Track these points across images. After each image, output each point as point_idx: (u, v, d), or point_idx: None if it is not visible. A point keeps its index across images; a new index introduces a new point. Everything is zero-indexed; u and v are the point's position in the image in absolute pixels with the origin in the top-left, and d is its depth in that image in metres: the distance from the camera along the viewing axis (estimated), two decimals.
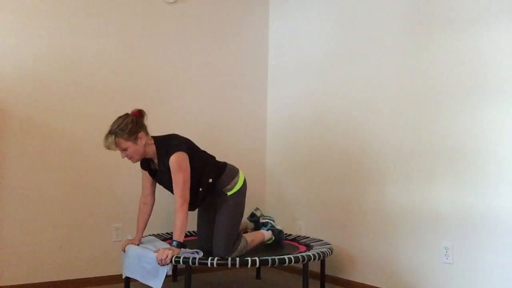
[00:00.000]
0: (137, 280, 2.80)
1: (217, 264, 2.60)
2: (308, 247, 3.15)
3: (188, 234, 3.45)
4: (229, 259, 2.65)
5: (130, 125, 2.66)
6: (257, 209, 3.43)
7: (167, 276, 2.62)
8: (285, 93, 4.05)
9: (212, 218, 2.94)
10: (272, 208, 4.07)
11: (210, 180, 2.84)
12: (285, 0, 4.13)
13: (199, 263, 2.59)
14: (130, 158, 2.74)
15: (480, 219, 2.64)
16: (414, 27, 3.06)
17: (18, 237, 3.05)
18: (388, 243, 3.12)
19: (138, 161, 2.80)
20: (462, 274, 2.71)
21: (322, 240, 3.30)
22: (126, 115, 2.74)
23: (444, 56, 2.87)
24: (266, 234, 3.12)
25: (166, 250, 2.56)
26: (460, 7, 2.81)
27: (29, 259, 3.08)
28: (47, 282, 3.12)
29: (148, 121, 3.62)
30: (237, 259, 2.64)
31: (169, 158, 2.67)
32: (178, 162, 2.66)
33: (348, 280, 3.35)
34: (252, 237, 2.99)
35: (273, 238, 3.16)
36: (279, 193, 4.03)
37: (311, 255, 2.78)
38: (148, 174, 2.91)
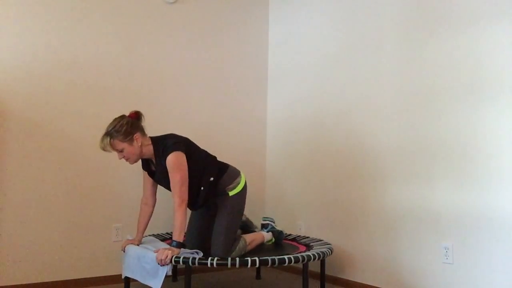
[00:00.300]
0: (137, 280, 2.80)
1: (217, 264, 2.60)
2: (308, 247, 3.15)
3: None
4: (229, 259, 2.65)
5: (126, 126, 2.66)
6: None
7: (167, 276, 2.62)
8: (285, 93, 4.05)
9: (208, 217, 2.94)
10: (272, 208, 4.07)
11: (212, 179, 2.83)
12: (285, 0, 4.13)
13: (199, 263, 2.59)
14: (127, 159, 2.75)
15: (480, 219, 2.64)
16: (414, 28, 3.06)
17: (18, 237, 3.05)
18: (388, 243, 3.12)
19: (135, 162, 2.80)
20: (462, 274, 2.71)
21: (322, 240, 3.30)
22: (122, 116, 2.74)
23: (444, 56, 2.87)
24: (266, 235, 3.13)
25: (166, 250, 2.56)
26: (460, 7, 2.81)
27: (29, 259, 3.08)
28: (47, 282, 3.12)
29: (148, 121, 3.62)
30: (237, 259, 2.64)
31: (166, 158, 2.66)
32: (175, 162, 2.65)
33: (348, 280, 3.35)
34: (252, 238, 3.00)
35: (273, 239, 3.17)
36: (279, 193, 4.03)
37: (311, 255, 2.78)
38: (148, 175, 2.92)
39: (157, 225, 3.38)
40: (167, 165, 2.66)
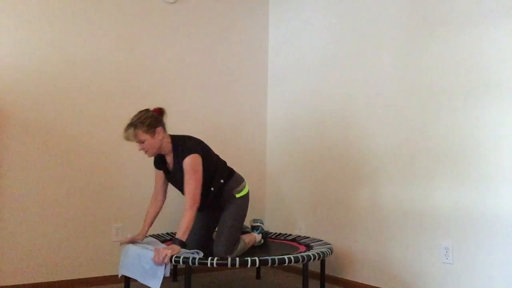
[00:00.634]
0: (137, 280, 2.80)
1: (217, 264, 2.60)
2: (308, 247, 3.15)
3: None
4: (229, 259, 2.65)
5: (150, 119, 2.75)
6: None
7: (167, 276, 2.62)
8: (285, 93, 4.05)
9: (212, 218, 2.95)
10: (272, 208, 4.07)
11: (222, 181, 2.92)
12: (285, 0, 4.13)
13: (199, 263, 2.59)
14: (146, 151, 2.81)
15: (480, 219, 2.64)
16: (413, 28, 3.06)
17: (18, 237, 3.05)
18: (388, 243, 3.12)
19: (153, 155, 2.86)
20: (462, 274, 2.71)
21: (322, 240, 3.30)
22: (147, 110, 2.83)
23: (444, 56, 2.87)
24: (257, 237, 3.19)
25: (165, 250, 2.56)
26: (460, 7, 2.81)
27: (29, 259, 3.08)
28: (47, 282, 3.12)
29: None
30: (237, 259, 2.64)
31: (183, 158, 2.74)
32: (192, 164, 2.73)
33: (348, 280, 3.35)
34: (249, 239, 3.04)
35: (262, 240, 3.24)
36: (279, 193, 4.03)
37: (311, 255, 2.78)
38: (161, 173, 2.98)
39: (157, 225, 3.38)
40: (184, 166, 2.73)
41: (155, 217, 3.01)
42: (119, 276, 2.93)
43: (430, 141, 2.91)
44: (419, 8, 3.04)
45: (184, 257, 2.58)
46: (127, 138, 2.76)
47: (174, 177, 2.89)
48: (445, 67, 2.87)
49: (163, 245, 2.94)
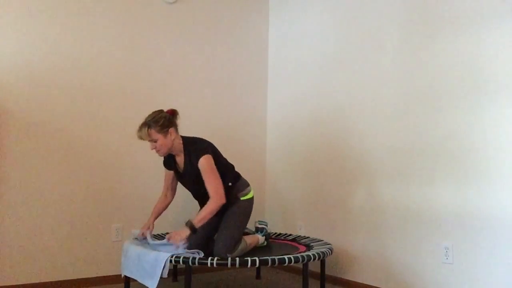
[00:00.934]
0: (137, 280, 2.80)
1: (217, 264, 2.60)
2: (308, 247, 3.15)
3: None
4: (229, 259, 2.66)
5: (163, 119, 2.83)
6: None
7: (167, 276, 2.62)
8: (285, 93, 4.05)
9: (216, 219, 2.96)
10: (272, 208, 4.07)
11: (230, 184, 2.97)
12: (285, 0, 4.13)
13: (199, 263, 2.59)
14: (158, 151, 2.87)
15: (480, 219, 2.64)
16: (413, 28, 3.06)
17: (18, 237, 3.05)
18: (388, 243, 3.12)
19: (164, 155, 2.93)
20: (462, 274, 2.71)
21: (322, 240, 3.30)
22: (161, 110, 2.90)
23: (444, 56, 2.87)
24: (260, 238, 3.19)
25: (179, 231, 2.69)
26: (460, 7, 2.81)
27: (29, 259, 3.08)
28: (47, 282, 3.12)
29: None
30: (237, 259, 2.64)
31: (197, 159, 2.82)
32: (209, 164, 2.82)
33: (348, 280, 3.35)
34: (251, 240, 3.05)
35: (265, 242, 3.25)
36: (279, 193, 4.03)
37: (311, 255, 2.78)
38: (170, 173, 3.07)
39: (157, 226, 3.38)
40: (201, 166, 2.81)
41: (161, 212, 3.12)
42: (122, 276, 2.93)
43: (430, 141, 2.91)
44: (419, 8, 3.04)
45: (184, 257, 2.58)
46: (140, 137, 2.84)
47: (185, 177, 2.96)
48: (445, 67, 2.86)
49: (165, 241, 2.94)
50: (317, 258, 2.82)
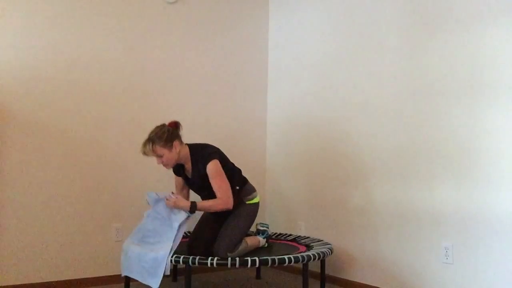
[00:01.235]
0: (137, 280, 2.80)
1: (217, 264, 2.60)
2: (308, 247, 3.15)
3: (184, 235, 3.45)
4: (229, 259, 2.66)
5: (166, 134, 2.84)
6: None
7: (167, 276, 2.62)
8: (285, 93, 4.05)
9: (222, 221, 3.00)
10: (272, 208, 4.07)
11: (237, 188, 3.00)
12: (285, 0, 4.13)
13: (199, 263, 2.59)
14: (165, 165, 2.90)
15: (480, 219, 2.64)
16: (413, 28, 3.06)
17: (18, 237, 3.05)
18: (388, 243, 3.12)
19: (171, 167, 2.97)
20: (462, 274, 2.71)
21: (322, 240, 3.30)
22: (163, 125, 2.91)
23: (444, 56, 2.87)
24: (261, 241, 3.19)
25: (181, 201, 2.82)
26: (460, 7, 2.81)
27: (29, 259, 3.08)
28: (47, 282, 3.12)
29: (148, 121, 3.62)
30: (237, 259, 2.65)
31: (205, 165, 2.85)
32: (216, 169, 2.85)
33: (348, 280, 3.35)
34: (251, 242, 3.05)
35: (266, 245, 3.24)
36: (279, 193, 4.03)
37: (311, 255, 2.78)
38: (180, 179, 3.09)
39: None
40: (208, 172, 2.85)
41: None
42: (122, 275, 2.93)
43: (430, 141, 2.91)
44: (418, 8, 3.04)
45: (184, 257, 2.58)
46: (145, 153, 2.86)
47: (194, 183, 2.98)
48: (444, 67, 2.86)
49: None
50: (317, 258, 2.83)
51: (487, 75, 2.66)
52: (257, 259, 2.64)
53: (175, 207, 2.82)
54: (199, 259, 2.60)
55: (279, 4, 4.19)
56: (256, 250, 3.05)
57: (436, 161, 2.87)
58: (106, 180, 3.39)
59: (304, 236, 3.49)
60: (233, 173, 3.01)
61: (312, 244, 3.20)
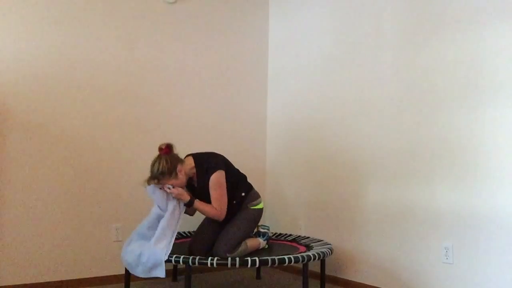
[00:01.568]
0: (137, 280, 2.81)
1: (217, 264, 2.60)
2: (308, 247, 3.15)
3: (184, 235, 3.46)
4: (229, 259, 2.66)
5: (167, 165, 2.80)
6: None
7: (167, 276, 2.62)
8: (285, 93, 4.05)
9: (221, 224, 3.01)
10: (272, 208, 4.07)
11: (243, 194, 3.02)
12: (285, 0, 4.13)
13: (199, 263, 2.59)
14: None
15: (480, 219, 2.64)
16: (413, 28, 3.06)
17: (18, 237, 3.05)
18: (388, 243, 3.12)
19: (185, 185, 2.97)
20: (462, 274, 2.71)
21: (322, 240, 3.30)
22: (159, 157, 2.84)
23: (443, 56, 2.87)
24: (262, 243, 3.19)
25: (182, 192, 2.83)
26: (459, 7, 2.81)
27: (29, 259, 3.08)
28: (47, 282, 3.12)
29: (148, 121, 3.63)
30: (237, 259, 2.65)
31: (209, 176, 2.88)
32: (217, 181, 2.88)
33: (348, 280, 3.35)
34: (252, 243, 3.05)
35: (267, 246, 3.24)
36: (279, 193, 4.03)
37: (311, 255, 2.78)
38: (189, 189, 3.07)
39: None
40: (210, 182, 2.88)
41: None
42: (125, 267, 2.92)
43: (430, 141, 2.91)
44: (418, 9, 3.04)
45: (184, 257, 2.58)
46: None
47: (201, 193, 2.97)
48: (444, 67, 2.86)
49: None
50: (317, 258, 2.83)
51: (487, 74, 2.66)
52: (257, 259, 2.64)
53: (177, 196, 2.83)
54: (199, 259, 2.60)
55: (279, 4, 4.19)
56: (257, 250, 3.05)
57: (436, 161, 2.87)
58: (106, 180, 3.39)
59: (304, 236, 3.49)
60: (238, 179, 3.04)
61: (312, 244, 3.20)
